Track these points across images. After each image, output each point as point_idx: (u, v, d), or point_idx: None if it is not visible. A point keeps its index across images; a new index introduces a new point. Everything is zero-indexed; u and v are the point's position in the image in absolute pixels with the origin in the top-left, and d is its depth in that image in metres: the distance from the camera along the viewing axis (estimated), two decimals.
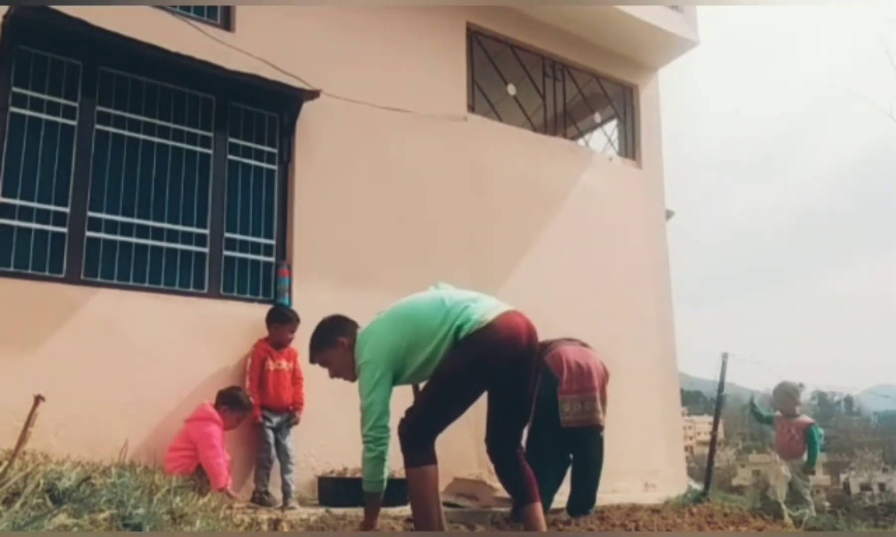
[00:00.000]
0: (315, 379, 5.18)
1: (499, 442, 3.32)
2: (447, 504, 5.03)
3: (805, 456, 6.20)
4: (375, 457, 3.12)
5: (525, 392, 3.29)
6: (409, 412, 3.20)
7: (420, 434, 3.10)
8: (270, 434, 4.89)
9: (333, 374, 3.47)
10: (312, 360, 3.51)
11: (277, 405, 4.95)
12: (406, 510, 4.64)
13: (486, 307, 3.18)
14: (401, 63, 6.34)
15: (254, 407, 4.83)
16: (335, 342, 3.38)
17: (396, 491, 4.98)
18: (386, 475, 3.20)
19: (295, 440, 5.02)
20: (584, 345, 5.27)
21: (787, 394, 6.41)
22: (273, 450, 4.88)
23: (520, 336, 3.14)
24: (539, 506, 3.24)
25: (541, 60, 7.49)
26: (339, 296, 5.58)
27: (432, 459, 3.08)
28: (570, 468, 4.98)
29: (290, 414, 5.01)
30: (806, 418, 6.46)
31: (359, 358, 3.23)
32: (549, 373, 4.81)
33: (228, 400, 4.67)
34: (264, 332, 5.10)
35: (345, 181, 5.84)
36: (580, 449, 4.89)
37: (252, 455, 4.96)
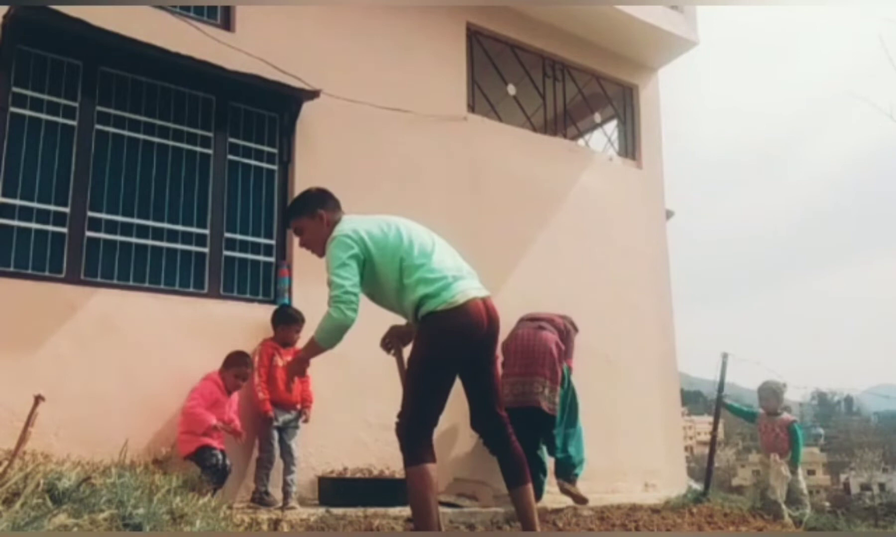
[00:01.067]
0: (315, 379, 5.20)
1: (480, 420, 3.37)
2: (447, 504, 5.04)
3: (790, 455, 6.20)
4: (338, 322, 3.10)
5: (491, 368, 3.34)
6: (400, 413, 3.22)
7: (411, 429, 3.09)
8: (275, 433, 4.88)
9: (303, 243, 3.48)
10: (287, 223, 3.55)
11: (287, 400, 4.92)
12: (406, 510, 4.65)
13: (457, 289, 3.16)
14: (401, 63, 6.34)
15: (265, 402, 4.83)
16: (314, 212, 3.38)
17: (396, 491, 5.01)
18: (337, 342, 3.19)
19: (298, 441, 5.02)
20: (542, 327, 5.59)
21: (771, 392, 6.42)
22: (275, 450, 4.87)
23: (481, 321, 3.17)
24: (529, 488, 3.27)
25: (541, 60, 7.49)
26: None
27: (430, 457, 3.06)
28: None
29: (297, 414, 4.99)
30: (788, 416, 6.48)
31: (335, 233, 3.25)
32: None
33: (225, 362, 4.76)
34: (264, 332, 5.10)
35: (345, 181, 5.80)
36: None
37: (254, 454, 4.96)
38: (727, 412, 6.52)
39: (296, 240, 5.47)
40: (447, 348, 3.12)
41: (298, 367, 3.33)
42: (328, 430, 5.23)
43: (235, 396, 4.79)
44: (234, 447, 4.85)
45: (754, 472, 6.47)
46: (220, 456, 4.45)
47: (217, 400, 4.60)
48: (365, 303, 5.92)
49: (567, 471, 5.52)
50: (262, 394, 4.84)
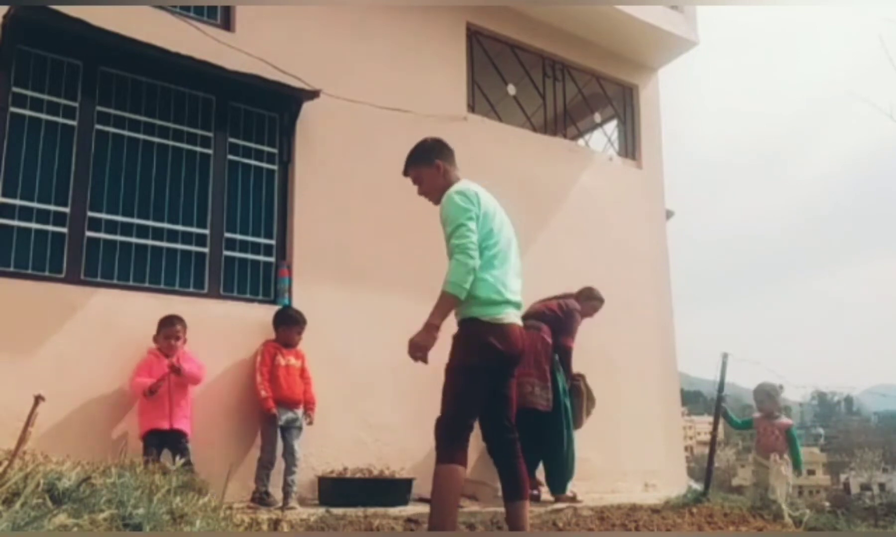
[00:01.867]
0: (316, 379, 5.21)
1: (489, 431, 3.40)
2: None
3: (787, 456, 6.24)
4: (469, 267, 3.13)
5: (509, 387, 3.41)
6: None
7: (448, 429, 3.16)
8: (277, 433, 4.88)
9: (421, 192, 3.59)
10: (406, 172, 3.60)
11: (289, 398, 4.93)
12: (406, 510, 4.65)
13: (507, 311, 3.27)
14: (401, 63, 6.34)
15: (267, 400, 4.83)
16: (433, 162, 3.49)
17: (396, 491, 5.02)
18: (466, 291, 3.15)
19: (301, 441, 5.02)
20: (529, 326, 5.62)
21: (767, 395, 6.41)
22: (276, 450, 4.87)
23: (516, 345, 3.30)
24: (526, 505, 3.30)
25: (541, 60, 7.49)
26: (339, 296, 5.60)
27: (461, 459, 3.11)
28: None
29: (300, 414, 4.99)
30: (786, 419, 6.48)
31: (459, 186, 3.35)
32: None
33: (158, 328, 4.63)
34: (264, 332, 5.10)
35: (345, 181, 5.85)
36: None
37: (255, 454, 4.96)
38: (738, 414, 6.53)
39: (296, 240, 5.55)
40: (486, 357, 3.19)
41: (429, 334, 3.19)
42: (328, 430, 5.23)
43: (184, 356, 4.64)
44: (234, 447, 4.86)
45: (754, 472, 6.50)
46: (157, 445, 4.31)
47: (152, 366, 4.49)
48: (365, 304, 5.93)
49: (562, 484, 5.58)
50: (265, 391, 4.84)
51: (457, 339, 3.27)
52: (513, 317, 3.30)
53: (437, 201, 3.47)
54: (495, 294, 3.21)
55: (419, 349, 3.17)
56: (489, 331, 3.19)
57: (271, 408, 4.83)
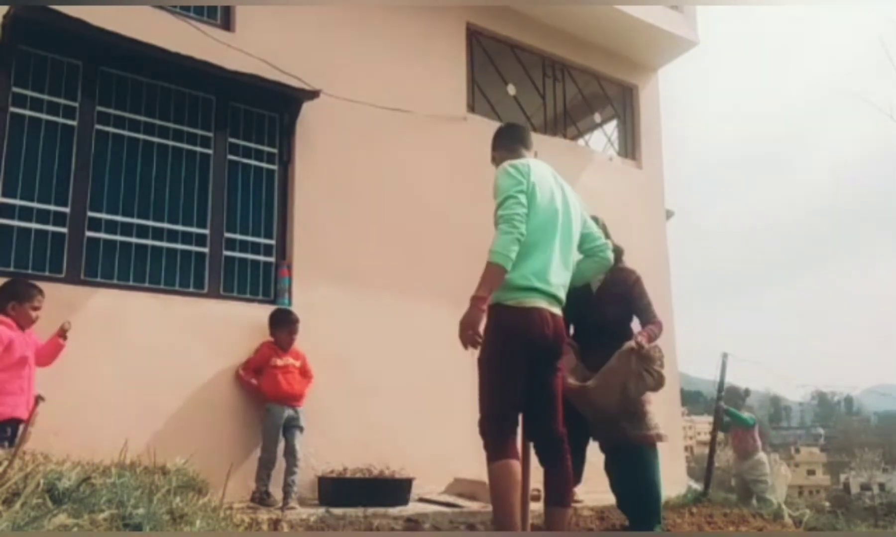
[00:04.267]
0: (316, 379, 5.21)
1: (532, 431, 3.22)
2: (447, 504, 5.04)
3: (760, 454, 6.44)
4: (515, 235, 2.99)
5: (551, 383, 3.20)
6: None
7: (488, 424, 3.01)
8: (278, 432, 4.89)
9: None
10: (493, 161, 3.61)
11: (290, 396, 4.95)
12: (406, 510, 4.65)
13: (534, 297, 3.09)
14: (401, 63, 6.34)
15: (244, 378, 4.96)
16: (510, 146, 3.51)
17: (396, 491, 5.02)
18: (513, 260, 3.00)
19: (301, 441, 5.02)
20: None
21: (738, 397, 6.61)
22: (277, 450, 4.87)
23: (542, 330, 3.08)
24: (567, 513, 3.18)
25: (541, 60, 7.49)
26: (339, 296, 5.60)
27: (512, 453, 2.94)
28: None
29: (299, 413, 4.99)
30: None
31: (514, 160, 3.29)
32: None
33: (11, 296, 4.00)
34: (264, 332, 5.11)
35: (345, 181, 5.85)
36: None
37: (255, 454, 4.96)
38: (726, 414, 6.57)
39: (296, 240, 5.55)
40: (511, 343, 3.03)
41: (476, 308, 2.97)
42: (328, 430, 5.23)
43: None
44: (234, 447, 4.86)
45: (735, 475, 6.60)
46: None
47: (20, 343, 3.94)
48: (365, 304, 5.93)
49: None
50: (242, 371, 4.98)
51: (485, 329, 3.06)
52: (539, 302, 3.08)
53: None
54: (522, 279, 3.05)
55: (468, 327, 2.94)
56: (511, 315, 3.03)
57: (250, 381, 4.95)
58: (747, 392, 6.86)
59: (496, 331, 3.04)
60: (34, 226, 4.62)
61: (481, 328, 2.98)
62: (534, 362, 3.11)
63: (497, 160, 3.49)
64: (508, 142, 3.52)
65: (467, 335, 2.94)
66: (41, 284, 4.39)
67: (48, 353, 4.15)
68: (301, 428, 4.98)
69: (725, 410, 6.43)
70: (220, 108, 5.43)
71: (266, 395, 4.93)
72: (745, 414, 6.99)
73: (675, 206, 8.55)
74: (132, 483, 2.22)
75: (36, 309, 4.08)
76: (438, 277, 6.06)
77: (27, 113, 4.71)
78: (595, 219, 3.78)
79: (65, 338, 4.18)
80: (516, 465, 2.92)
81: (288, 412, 4.92)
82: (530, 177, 3.18)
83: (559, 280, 3.20)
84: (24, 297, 4.04)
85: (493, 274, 2.99)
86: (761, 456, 6.35)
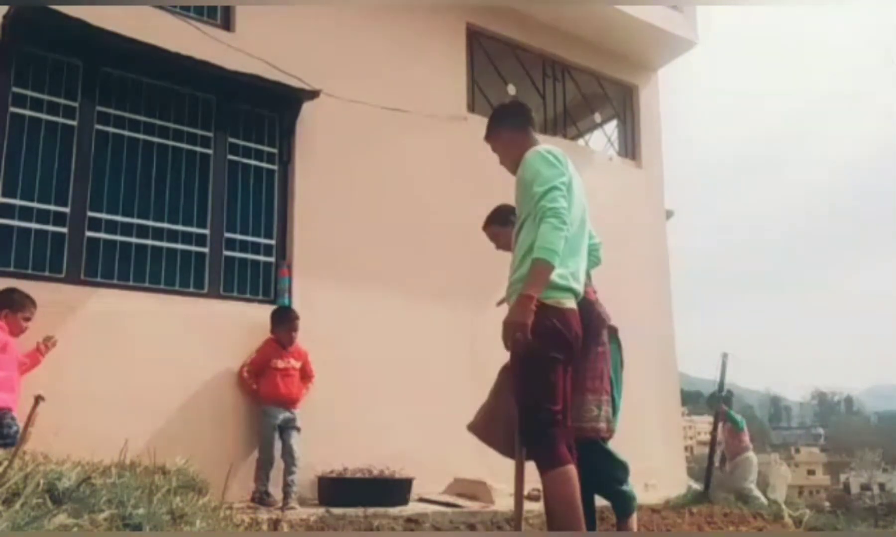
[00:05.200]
0: (316, 379, 5.21)
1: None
2: (447, 504, 5.04)
3: (748, 454, 6.76)
4: (563, 232, 2.79)
5: (568, 379, 3.06)
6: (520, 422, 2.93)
7: (542, 431, 2.78)
8: (275, 433, 4.89)
9: (501, 161, 3.42)
10: (487, 138, 3.48)
11: (286, 399, 4.97)
12: (406, 510, 4.65)
13: (571, 297, 2.95)
14: (401, 63, 6.34)
15: (247, 381, 4.98)
16: (513, 126, 3.35)
17: (396, 491, 5.02)
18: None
19: (299, 441, 5.02)
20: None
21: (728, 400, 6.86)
22: (275, 450, 4.88)
23: (578, 331, 2.98)
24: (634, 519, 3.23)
25: (541, 60, 7.48)
26: (339, 295, 5.60)
27: (565, 459, 2.75)
28: None
29: (296, 414, 5.00)
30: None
31: (543, 149, 3.08)
32: None
33: (6, 304, 4.10)
34: (264, 332, 5.11)
35: (345, 181, 5.85)
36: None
37: (254, 454, 4.96)
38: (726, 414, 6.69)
39: (296, 240, 5.55)
40: (554, 345, 2.84)
41: (525, 308, 2.73)
42: (328, 430, 5.23)
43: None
44: (234, 447, 4.86)
45: (729, 471, 6.73)
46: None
47: (9, 348, 4.03)
48: (365, 304, 5.92)
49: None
50: (246, 373, 4.98)
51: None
52: (573, 303, 2.96)
53: (513, 170, 3.21)
54: (561, 279, 2.87)
55: (518, 327, 2.70)
56: (555, 316, 2.82)
57: (251, 385, 4.96)
58: (730, 393, 7.16)
59: (543, 334, 2.79)
60: (34, 226, 4.61)
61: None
62: (565, 364, 2.97)
63: (503, 138, 3.31)
64: (518, 122, 3.32)
65: (517, 337, 2.72)
66: (41, 284, 4.40)
67: (28, 365, 4.19)
68: (298, 429, 4.98)
69: (725, 411, 6.50)
70: (221, 108, 5.43)
71: (263, 397, 4.93)
72: (738, 417, 7.16)
73: (674, 206, 8.56)
74: (132, 483, 2.21)
75: (27, 319, 4.19)
76: (439, 277, 6.06)
77: (27, 113, 4.71)
78: None
79: (44, 352, 4.22)
80: (574, 470, 2.77)
81: (284, 414, 4.94)
82: (568, 167, 3.02)
83: (583, 276, 3.10)
84: (17, 307, 4.14)
85: (544, 271, 2.78)
86: (749, 456, 6.48)
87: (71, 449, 3.66)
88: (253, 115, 5.59)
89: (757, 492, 6.55)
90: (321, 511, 4.36)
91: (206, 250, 5.22)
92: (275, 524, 3.58)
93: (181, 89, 5.28)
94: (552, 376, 2.84)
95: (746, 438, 7.36)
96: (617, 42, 7.72)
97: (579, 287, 3.00)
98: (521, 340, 2.72)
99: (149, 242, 5.02)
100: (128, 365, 4.62)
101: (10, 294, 4.17)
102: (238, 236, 5.39)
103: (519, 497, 3.07)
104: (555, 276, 2.84)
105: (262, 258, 5.48)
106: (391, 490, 5.01)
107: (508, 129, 3.31)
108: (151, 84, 5.17)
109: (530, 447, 2.84)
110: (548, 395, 2.82)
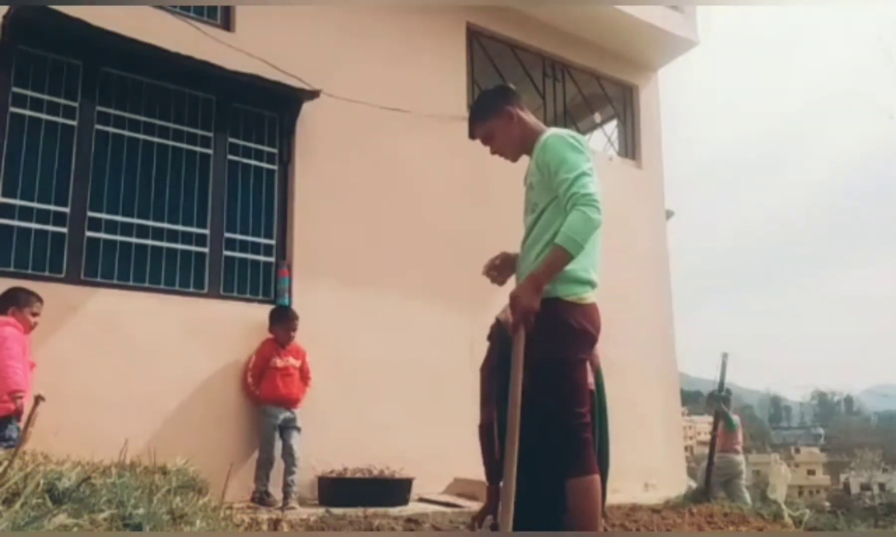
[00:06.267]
0: (316, 379, 5.21)
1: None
2: (447, 504, 5.04)
3: (739, 456, 6.94)
4: (597, 222, 2.65)
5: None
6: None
7: (574, 436, 2.60)
8: (275, 433, 4.89)
9: (494, 150, 3.07)
10: (473, 135, 3.08)
11: (286, 399, 4.98)
12: (406, 510, 4.65)
13: (591, 290, 2.80)
14: (401, 63, 6.34)
15: (251, 386, 4.98)
16: (502, 110, 2.93)
17: (396, 491, 5.02)
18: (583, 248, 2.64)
19: (299, 441, 5.02)
20: None
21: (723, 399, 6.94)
22: (275, 450, 4.88)
23: (600, 328, 2.86)
24: None
25: (541, 60, 7.49)
26: (339, 295, 5.60)
27: (595, 467, 2.61)
28: None
29: (296, 414, 5.01)
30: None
31: (561, 132, 2.85)
32: None
33: (12, 301, 4.15)
34: (264, 332, 5.12)
35: (345, 181, 5.85)
36: None
37: (254, 454, 4.96)
38: (738, 413, 6.83)
39: (296, 240, 5.55)
40: (580, 346, 2.72)
41: (536, 293, 2.58)
42: (328, 430, 5.23)
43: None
44: (234, 447, 4.86)
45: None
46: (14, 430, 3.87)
47: (24, 344, 4.06)
48: (365, 304, 5.92)
49: None
50: (250, 379, 4.98)
51: (546, 329, 2.62)
52: (594, 297, 2.80)
53: (515, 158, 3.01)
54: (583, 272, 2.71)
55: (531, 312, 2.55)
56: (579, 313, 2.67)
57: (256, 394, 4.95)
58: (728, 393, 7.19)
59: (570, 334, 2.65)
60: (34, 226, 4.62)
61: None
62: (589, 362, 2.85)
63: (500, 124, 2.96)
64: (511, 100, 2.99)
65: (528, 320, 2.56)
66: (41, 284, 4.40)
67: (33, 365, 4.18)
68: (298, 429, 4.99)
69: (723, 411, 6.54)
70: (221, 108, 5.43)
71: (263, 397, 4.94)
72: (733, 418, 7.27)
73: (674, 206, 8.56)
74: (132, 483, 2.21)
75: (35, 314, 4.20)
76: (438, 277, 6.06)
77: (27, 113, 4.71)
78: None
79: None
80: (598, 480, 2.63)
81: (284, 414, 4.94)
82: (588, 155, 2.79)
83: (600, 269, 2.90)
84: (23, 303, 4.17)
85: (560, 259, 2.60)
86: (731, 457, 6.64)
87: (71, 449, 3.66)
88: (253, 114, 5.59)
89: (744, 493, 6.74)
90: (321, 511, 4.36)
91: (206, 250, 5.22)
92: (275, 524, 3.58)
93: (181, 89, 5.28)
94: (580, 377, 2.70)
95: (738, 439, 7.53)
96: (617, 42, 7.72)
97: (597, 277, 2.84)
98: (531, 325, 2.57)
99: (149, 242, 5.02)
100: (128, 365, 4.62)
101: (15, 292, 4.21)
102: (238, 236, 5.39)
103: (507, 495, 2.80)
104: (577, 269, 2.68)
105: (261, 258, 5.48)
106: (391, 490, 5.01)
107: (503, 113, 2.96)
108: (151, 84, 5.17)
109: (559, 450, 2.60)
110: (577, 398, 2.65)
